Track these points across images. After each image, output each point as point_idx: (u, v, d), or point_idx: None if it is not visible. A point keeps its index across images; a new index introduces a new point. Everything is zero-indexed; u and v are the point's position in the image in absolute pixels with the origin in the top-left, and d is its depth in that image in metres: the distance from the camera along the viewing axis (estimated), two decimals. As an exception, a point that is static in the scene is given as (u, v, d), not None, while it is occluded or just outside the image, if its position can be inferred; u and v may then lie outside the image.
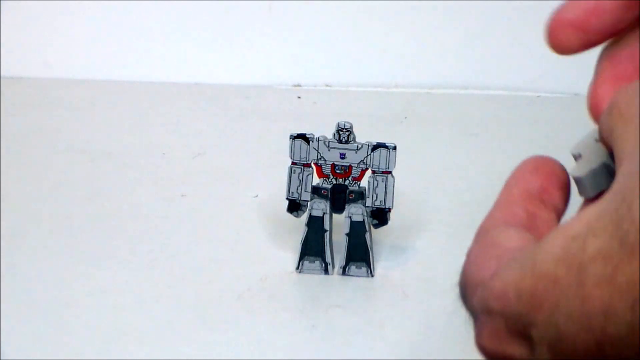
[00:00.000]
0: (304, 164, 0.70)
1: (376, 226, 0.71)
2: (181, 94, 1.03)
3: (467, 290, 0.34)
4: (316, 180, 0.71)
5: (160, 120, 0.97)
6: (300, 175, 0.70)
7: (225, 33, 1.05)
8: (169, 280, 0.71)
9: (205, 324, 0.66)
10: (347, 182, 0.70)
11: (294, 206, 0.71)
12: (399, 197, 0.73)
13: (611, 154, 0.34)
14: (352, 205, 0.70)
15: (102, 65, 1.05)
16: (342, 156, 0.70)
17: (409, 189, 0.80)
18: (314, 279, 0.71)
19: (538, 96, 1.04)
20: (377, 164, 0.70)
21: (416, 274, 0.72)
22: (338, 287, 0.71)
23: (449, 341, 0.65)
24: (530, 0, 1.03)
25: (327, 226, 0.71)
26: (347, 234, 0.71)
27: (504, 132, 0.95)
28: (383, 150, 0.69)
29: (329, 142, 0.70)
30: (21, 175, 0.85)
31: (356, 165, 0.70)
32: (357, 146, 0.69)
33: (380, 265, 0.73)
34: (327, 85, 1.05)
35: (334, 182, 0.70)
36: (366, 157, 0.70)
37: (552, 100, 1.02)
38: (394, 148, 0.69)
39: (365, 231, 0.71)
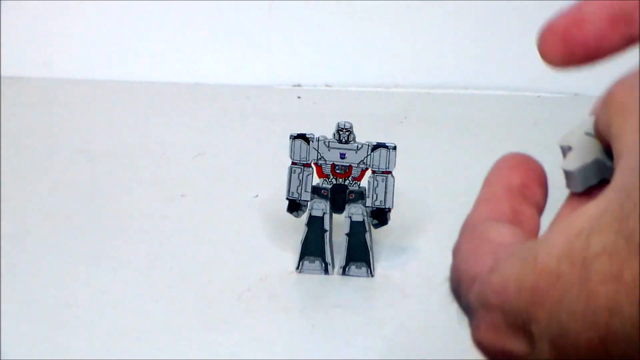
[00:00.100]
0: (304, 164, 0.70)
1: (376, 226, 0.71)
2: (181, 94, 1.03)
3: (462, 285, 0.34)
4: (316, 180, 0.71)
5: (160, 120, 0.97)
6: (300, 175, 0.70)
7: (225, 33, 1.05)
8: (169, 280, 0.71)
9: (205, 324, 0.66)
10: (347, 182, 0.70)
11: (294, 206, 0.71)
12: (399, 197, 0.73)
13: (606, 149, 0.34)
14: (352, 205, 0.70)
15: (102, 65, 1.05)
16: (342, 156, 0.70)
17: (409, 189, 0.80)
18: (314, 279, 0.71)
19: (538, 96, 1.04)
20: (377, 164, 0.70)
21: (416, 274, 0.72)
22: (338, 287, 0.71)
23: (449, 341, 0.65)
24: (530, 0, 1.03)
25: (327, 226, 0.71)
26: (347, 234, 0.71)
27: (504, 132, 0.94)
28: (383, 150, 0.69)
29: (329, 142, 0.70)
30: (21, 175, 0.85)
31: (356, 165, 0.70)
32: (357, 146, 0.70)
33: (380, 265, 0.73)
34: (327, 85, 1.05)
35: (334, 182, 0.71)
36: (366, 157, 0.70)
37: (552, 100, 1.02)
38: (394, 148, 0.69)
39: (365, 231, 0.71)
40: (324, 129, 0.71)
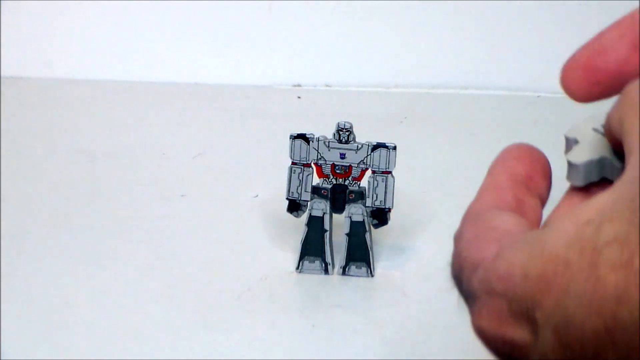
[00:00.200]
0: (304, 164, 0.70)
1: (376, 226, 0.71)
2: (181, 94, 1.03)
3: (464, 272, 0.34)
4: (316, 180, 0.71)
5: (160, 120, 0.97)
6: (300, 175, 0.70)
7: (225, 33, 1.05)
8: (169, 280, 0.71)
9: (205, 324, 0.66)
10: (347, 182, 0.70)
11: (294, 206, 0.71)
12: (399, 197, 0.73)
13: (614, 148, 0.35)
14: (352, 205, 0.70)
15: (102, 65, 1.05)
16: (342, 156, 0.70)
17: (409, 189, 0.80)
18: (314, 279, 0.71)
19: (538, 96, 1.04)
20: (377, 164, 0.70)
21: (416, 274, 0.72)
22: (338, 287, 0.71)
23: (449, 341, 0.65)
24: (530, 0, 1.03)
25: (327, 226, 0.71)
26: (347, 234, 0.71)
27: (504, 132, 0.94)
28: (383, 150, 0.69)
29: (329, 142, 0.70)
30: (21, 175, 0.85)
31: (356, 165, 0.70)
32: (357, 146, 0.70)
33: (380, 265, 0.73)
34: (327, 85, 1.05)
35: (334, 182, 0.71)
36: (366, 157, 0.70)
37: (552, 100, 1.02)
38: (394, 148, 0.69)
39: (365, 231, 0.71)
40: (324, 129, 0.71)
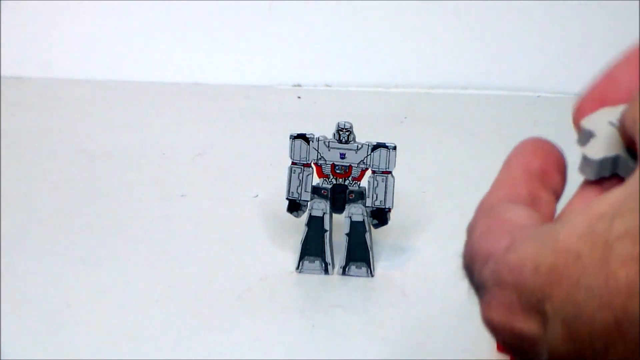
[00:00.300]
0: (304, 164, 0.70)
1: (376, 226, 0.71)
2: (181, 94, 1.03)
3: (475, 263, 0.34)
4: (316, 180, 0.71)
5: (160, 120, 0.97)
6: (300, 175, 0.70)
7: (225, 33, 1.05)
8: (169, 280, 0.71)
9: (205, 324, 0.66)
10: (347, 182, 0.70)
11: (294, 206, 0.71)
12: (399, 197, 0.73)
13: (626, 146, 0.35)
14: (352, 205, 0.70)
15: (102, 65, 1.05)
16: (342, 156, 0.70)
17: (409, 189, 0.80)
18: (314, 279, 0.71)
19: (538, 96, 1.04)
20: (377, 164, 0.70)
21: (416, 274, 0.72)
22: (338, 287, 0.71)
23: (449, 341, 0.65)
24: (530, 0, 1.03)
25: (327, 226, 0.71)
26: (347, 234, 0.71)
27: (504, 132, 0.94)
28: (383, 150, 0.69)
29: (329, 142, 0.70)
30: (21, 175, 0.85)
31: (356, 165, 0.70)
32: (357, 146, 0.69)
33: (380, 265, 0.73)
34: (327, 85, 1.05)
35: (334, 182, 0.71)
36: (366, 157, 0.70)
37: (552, 100, 1.02)
38: (394, 148, 0.69)
39: (365, 231, 0.71)
40: (324, 129, 0.71)
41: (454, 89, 1.05)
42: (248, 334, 0.65)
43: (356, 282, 0.71)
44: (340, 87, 1.05)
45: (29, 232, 0.76)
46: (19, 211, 0.79)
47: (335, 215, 0.71)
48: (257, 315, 0.67)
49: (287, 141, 0.70)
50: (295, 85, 1.05)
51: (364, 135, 0.71)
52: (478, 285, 0.34)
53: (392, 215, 0.71)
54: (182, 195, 0.82)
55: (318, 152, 0.70)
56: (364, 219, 0.70)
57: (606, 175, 0.36)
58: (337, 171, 0.70)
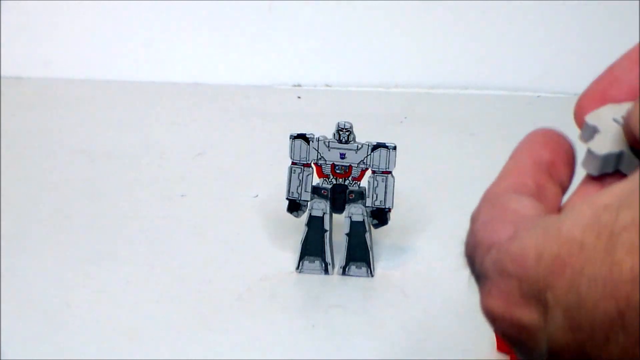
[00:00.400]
0: (304, 164, 0.70)
1: (376, 226, 0.71)
2: (181, 94, 1.03)
3: (477, 251, 0.34)
4: (316, 180, 0.71)
5: (160, 120, 0.97)
6: (300, 175, 0.70)
7: (225, 33, 1.05)
8: (169, 280, 0.71)
9: (205, 324, 0.66)
10: (347, 182, 0.70)
11: (294, 206, 0.71)
12: (399, 197, 0.73)
13: (630, 144, 0.35)
14: (352, 205, 0.70)
15: (102, 65, 1.05)
16: (342, 156, 0.70)
17: (409, 189, 0.80)
18: (314, 279, 0.71)
19: (538, 96, 1.04)
20: (377, 164, 0.70)
21: (416, 274, 0.72)
22: (338, 287, 0.71)
23: (449, 341, 0.65)
24: (530, 0, 1.03)
25: (327, 226, 0.71)
26: (347, 234, 0.71)
27: (504, 132, 0.94)
28: (383, 150, 0.69)
29: (329, 142, 0.70)
30: (21, 175, 0.85)
31: (356, 165, 0.70)
32: (357, 146, 0.69)
33: (380, 265, 0.73)
34: (327, 85, 1.05)
35: (334, 182, 0.70)
36: (366, 157, 0.70)
37: (552, 100, 1.02)
38: (394, 148, 0.69)
39: (365, 231, 0.71)
40: (324, 129, 0.71)
41: (454, 89, 1.05)
42: (248, 334, 0.65)
43: (356, 282, 0.71)
44: (340, 87, 1.05)
45: (29, 232, 0.76)
46: (19, 211, 0.79)
47: (335, 215, 0.71)
48: (257, 315, 0.67)
49: (287, 141, 0.70)
50: (295, 85, 1.05)
51: (364, 135, 0.70)
52: (479, 274, 0.34)
53: (392, 215, 0.71)
54: (182, 195, 0.82)
55: (318, 152, 0.70)
56: (364, 219, 0.70)
57: (609, 172, 0.36)
58: (337, 171, 0.70)
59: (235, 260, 0.73)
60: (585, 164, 0.36)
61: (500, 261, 0.32)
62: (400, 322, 0.67)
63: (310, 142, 0.70)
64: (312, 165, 0.70)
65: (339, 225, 0.72)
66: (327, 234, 0.71)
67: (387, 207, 0.70)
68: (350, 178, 0.70)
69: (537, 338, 0.31)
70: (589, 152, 0.36)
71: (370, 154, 0.70)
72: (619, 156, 0.36)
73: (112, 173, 0.86)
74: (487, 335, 0.64)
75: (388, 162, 0.69)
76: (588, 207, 0.31)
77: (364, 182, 0.70)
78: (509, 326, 0.32)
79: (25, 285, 0.70)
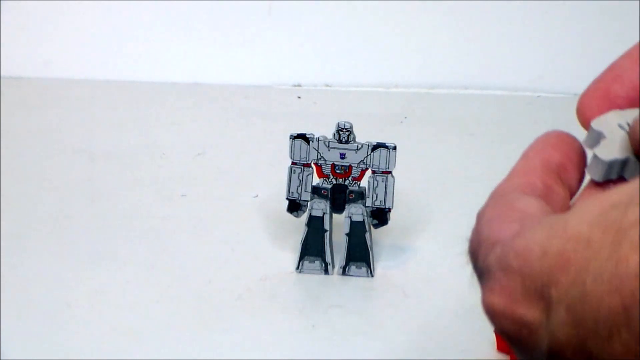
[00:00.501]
0: (304, 164, 0.70)
1: (376, 226, 0.71)
2: (181, 94, 1.03)
3: (481, 247, 0.34)
4: (316, 180, 0.71)
5: (160, 120, 0.97)
6: (300, 175, 0.70)
7: (225, 33, 1.05)
8: (169, 280, 0.71)
9: (205, 324, 0.66)
10: (347, 182, 0.70)
11: (294, 206, 0.71)
12: (399, 197, 0.73)
13: (635, 152, 0.35)
14: (352, 205, 0.70)
15: (102, 65, 1.05)
16: (342, 156, 0.70)
17: (409, 189, 0.80)
18: (314, 279, 0.71)
19: (538, 96, 1.04)
20: (377, 164, 0.70)
21: (416, 274, 0.72)
22: (338, 287, 0.71)
23: (449, 341, 0.65)
24: (530, 0, 1.03)
25: (327, 226, 0.71)
26: (347, 234, 0.71)
27: (504, 132, 0.95)
28: (383, 150, 0.69)
29: (329, 142, 0.70)
30: (21, 175, 0.85)
31: (356, 165, 0.70)
32: (357, 146, 0.69)
33: (380, 265, 0.73)
34: (327, 85, 1.05)
35: (334, 182, 0.71)
36: (366, 157, 0.70)
37: (552, 100, 1.02)
38: (394, 148, 0.69)
39: (365, 231, 0.71)
40: (324, 129, 0.71)
41: (454, 89, 1.05)
42: (248, 334, 0.65)
43: (356, 282, 0.71)
44: (340, 87, 1.05)
45: (29, 232, 0.76)
46: (19, 211, 0.79)
47: (335, 215, 0.71)
48: (257, 315, 0.67)
49: (287, 141, 0.70)
50: (295, 85, 1.05)
51: (364, 135, 0.71)
52: (482, 270, 0.34)
53: (392, 215, 0.71)
54: (182, 195, 0.82)
55: (318, 152, 0.70)
56: (364, 219, 0.70)
57: (613, 178, 0.36)
58: (337, 171, 0.70)
59: (235, 260, 0.73)
60: (590, 169, 0.36)
61: (504, 257, 0.32)
62: (400, 322, 0.67)
63: (310, 142, 0.70)
64: (312, 165, 0.70)
65: (339, 225, 0.72)
66: (327, 234, 0.71)
67: (387, 207, 0.70)
68: (350, 178, 0.70)
69: (538, 336, 0.31)
70: (595, 158, 0.36)
71: (370, 154, 0.70)
72: (624, 163, 0.36)
73: (112, 173, 0.86)
74: (487, 335, 0.64)
75: (388, 162, 0.69)
76: (595, 205, 0.31)
77: (364, 182, 0.70)
78: (510, 323, 0.32)
79: (25, 285, 0.70)
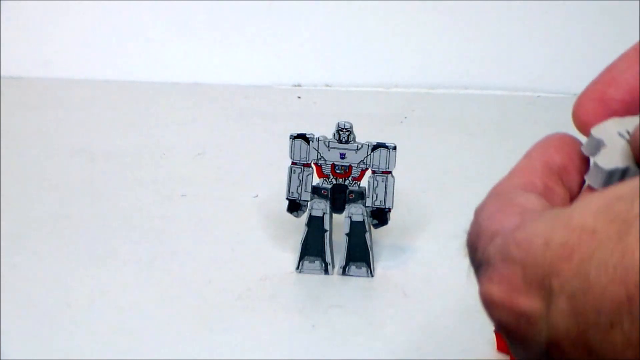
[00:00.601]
0: (304, 164, 0.70)
1: (376, 226, 0.71)
2: (181, 94, 1.03)
3: (481, 239, 0.34)
4: (316, 180, 0.71)
5: (160, 120, 0.97)
6: (300, 175, 0.70)
7: (225, 33, 1.05)
8: (169, 280, 0.71)
9: (205, 324, 0.66)
10: (347, 182, 0.70)
11: (294, 206, 0.71)
12: (399, 197, 0.73)
13: (636, 160, 0.35)
14: (352, 205, 0.70)
15: (102, 65, 1.05)
16: (342, 156, 0.70)
17: (409, 189, 0.80)
18: (314, 279, 0.71)
19: (538, 96, 1.04)
20: (377, 164, 0.70)
21: (416, 274, 0.72)
22: (338, 287, 0.71)
23: (449, 341, 0.65)
24: (530, 0, 1.03)
25: (327, 226, 0.71)
26: (347, 234, 0.71)
27: (504, 132, 0.95)
28: (383, 150, 0.69)
29: (329, 142, 0.70)
30: (21, 175, 0.85)
31: (356, 165, 0.70)
32: (357, 146, 0.70)
33: (380, 265, 0.73)
34: (327, 85, 1.05)
35: (334, 182, 0.71)
36: (366, 157, 0.70)
37: (552, 100, 1.02)
38: (394, 148, 0.69)
39: (365, 231, 0.71)
40: (324, 129, 0.71)
41: (454, 89, 1.05)
42: (248, 334, 0.65)
43: (356, 282, 0.71)
44: (340, 87, 1.05)
45: (29, 232, 0.76)
46: (19, 211, 0.79)
47: (335, 215, 0.71)
48: (257, 315, 0.67)
49: (287, 141, 0.70)
50: (295, 85, 1.05)
51: (364, 135, 0.71)
52: (481, 261, 0.34)
53: (392, 215, 0.71)
54: (182, 195, 0.82)
55: (318, 152, 0.70)
56: (364, 219, 0.70)
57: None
58: (337, 171, 0.70)
59: (235, 260, 0.73)
60: (590, 177, 0.36)
61: (505, 247, 0.32)
62: (400, 322, 0.67)
63: (310, 142, 0.70)
64: (312, 165, 0.70)
65: (339, 225, 0.72)
66: (327, 234, 0.71)
67: (387, 207, 0.70)
68: (350, 178, 0.70)
69: (537, 327, 0.31)
70: (595, 166, 0.36)
71: (370, 154, 0.70)
72: (624, 172, 0.36)
73: (112, 173, 0.86)
74: (487, 335, 0.64)
75: (388, 162, 0.69)
76: (600, 198, 0.31)
77: (364, 182, 0.70)
78: (507, 314, 0.32)
79: (25, 285, 0.70)
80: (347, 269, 0.71)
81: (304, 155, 0.70)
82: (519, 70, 1.04)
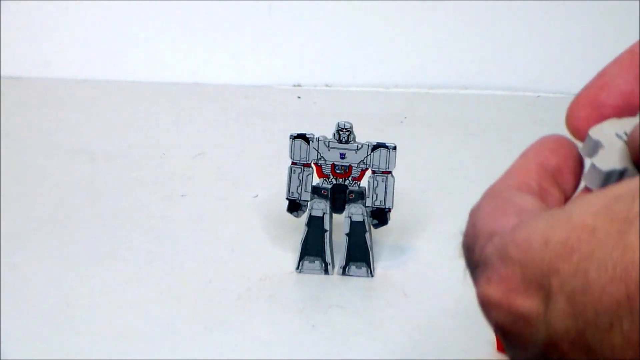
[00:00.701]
0: (304, 164, 0.70)
1: (376, 226, 0.71)
2: (181, 94, 1.03)
3: (478, 240, 0.34)
4: (316, 180, 0.71)
5: (160, 120, 0.97)
6: (300, 175, 0.70)
7: (225, 33, 1.05)
8: (169, 280, 0.71)
9: (205, 324, 0.66)
10: (347, 182, 0.70)
11: (294, 206, 0.71)
12: (399, 197, 0.73)
13: (634, 161, 0.35)
14: (352, 205, 0.70)
15: (102, 65, 1.05)
16: (342, 156, 0.70)
17: (409, 189, 0.80)
18: (314, 279, 0.71)
19: (538, 96, 1.04)
20: (377, 164, 0.70)
21: (416, 274, 0.72)
22: (338, 287, 0.71)
23: (449, 341, 0.65)
24: (530, 0, 1.03)
25: (327, 226, 0.71)
26: (347, 234, 0.71)
27: (504, 132, 0.95)
28: (383, 150, 0.69)
29: (329, 142, 0.70)
30: (21, 175, 0.85)
31: (356, 165, 0.70)
32: (357, 146, 0.70)
33: (380, 265, 0.73)
34: (327, 85, 1.05)
35: (334, 182, 0.71)
36: (366, 157, 0.70)
37: (552, 100, 1.02)
38: (394, 148, 0.69)
39: (365, 231, 0.71)
40: (324, 129, 0.71)
41: (454, 89, 1.05)
42: (248, 334, 0.65)
43: (356, 282, 0.71)
44: (340, 87, 1.05)
45: (29, 231, 0.76)
46: (19, 211, 0.79)
47: (335, 215, 0.71)
48: (257, 315, 0.67)
49: (287, 141, 0.70)
50: (295, 85, 1.05)
51: (364, 135, 0.71)
52: (478, 262, 0.33)
53: (392, 215, 0.71)
54: (182, 195, 0.82)
55: (318, 152, 0.70)
56: (364, 219, 0.70)
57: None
58: (337, 171, 0.70)
59: (235, 260, 0.73)
60: (587, 178, 0.36)
61: (503, 247, 0.32)
62: (400, 322, 0.67)
63: (310, 142, 0.70)
64: (312, 165, 0.70)
65: (339, 225, 0.72)
66: (327, 234, 0.71)
67: (387, 207, 0.70)
68: (350, 178, 0.70)
69: (535, 328, 0.31)
70: (593, 167, 0.36)
71: (370, 154, 0.70)
72: (622, 173, 0.36)
73: (112, 173, 0.86)
74: (487, 335, 0.64)
75: (388, 162, 0.69)
76: (599, 197, 0.31)
77: (364, 182, 0.70)
78: (505, 315, 0.32)
79: (25, 285, 0.70)
80: (347, 269, 0.71)
81: (304, 155, 0.70)
82: (519, 70, 1.04)
